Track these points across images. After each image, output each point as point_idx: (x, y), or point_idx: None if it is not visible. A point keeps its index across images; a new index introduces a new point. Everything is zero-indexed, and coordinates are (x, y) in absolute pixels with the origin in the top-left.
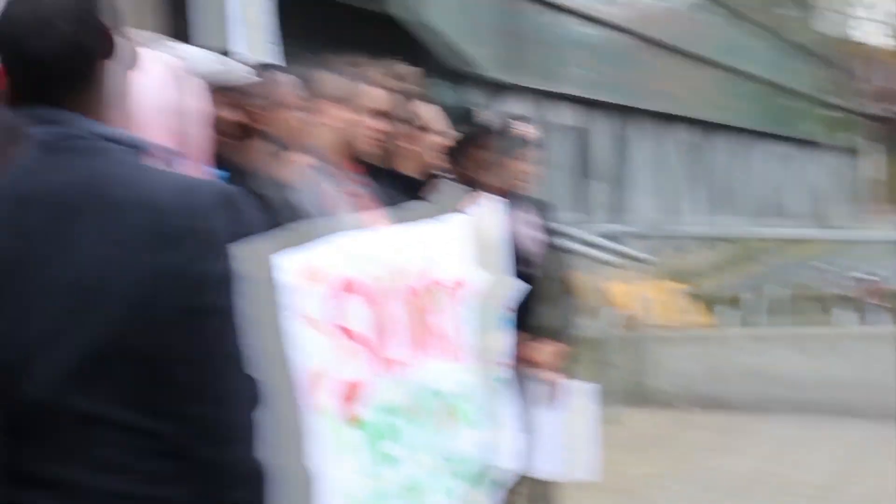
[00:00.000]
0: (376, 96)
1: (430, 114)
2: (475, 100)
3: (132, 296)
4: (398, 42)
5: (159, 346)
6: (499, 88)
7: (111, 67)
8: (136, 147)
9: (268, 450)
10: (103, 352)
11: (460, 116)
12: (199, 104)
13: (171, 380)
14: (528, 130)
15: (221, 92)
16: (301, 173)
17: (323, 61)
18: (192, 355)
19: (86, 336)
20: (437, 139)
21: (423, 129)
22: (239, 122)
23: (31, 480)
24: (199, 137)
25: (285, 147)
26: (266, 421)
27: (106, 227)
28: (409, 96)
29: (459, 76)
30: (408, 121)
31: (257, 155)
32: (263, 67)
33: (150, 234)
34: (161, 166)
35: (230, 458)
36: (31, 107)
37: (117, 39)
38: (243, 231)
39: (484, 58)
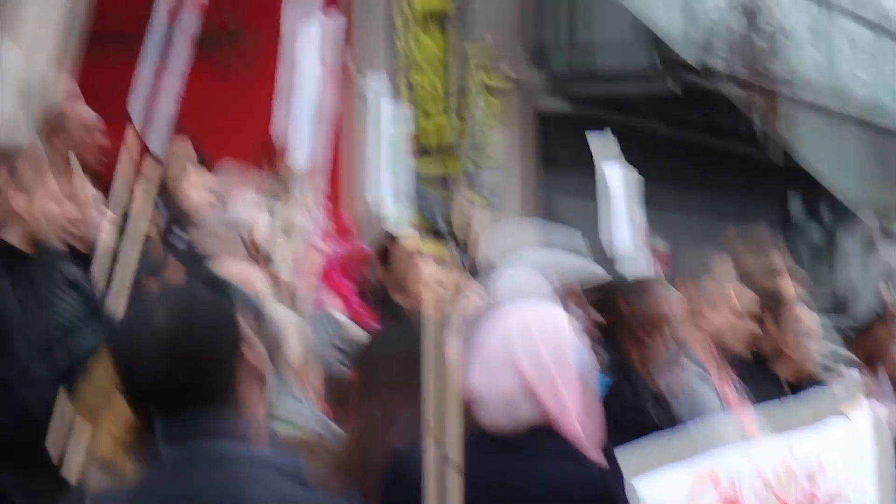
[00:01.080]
0: (750, 297)
1: (811, 319)
2: (849, 237)
3: None
4: (774, 183)
5: None
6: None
7: (232, 380)
8: (265, 460)
9: None
10: None
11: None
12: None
13: None
14: None
15: (588, 293)
16: (679, 378)
17: (695, 251)
18: None
19: None
20: (814, 346)
21: (802, 334)
22: (607, 324)
23: None
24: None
25: (668, 353)
26: None
27: None
28: (784, 299)
29: (834, 215)
30: (785, 325)
31: (637, 358)
32: (638, 279)
33: None
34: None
35: None
36: (164, 418)
37: (241, 354)
38: None
39: (858, 197)
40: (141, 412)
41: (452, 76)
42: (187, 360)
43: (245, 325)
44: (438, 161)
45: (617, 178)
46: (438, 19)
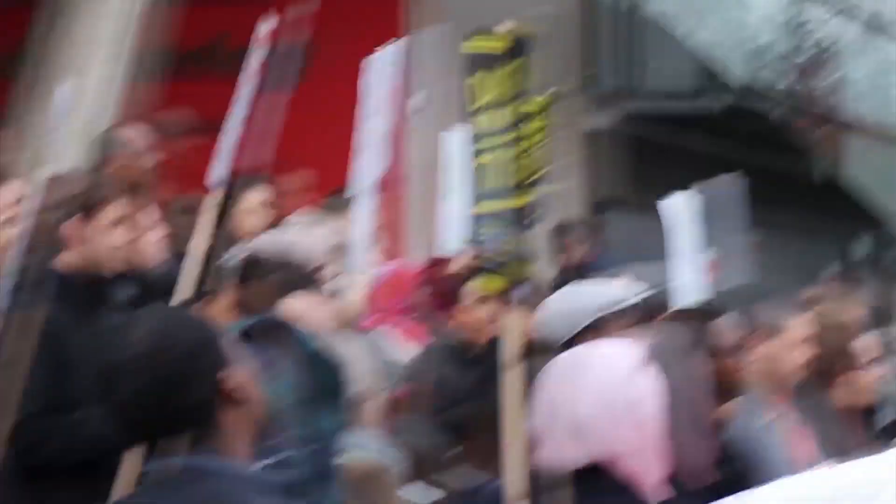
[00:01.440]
0: (805, 325)
1: (868, 345)
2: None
3: None
4: (818, 200)
5: None
6: None
7: (209, 403)
8: (245, 477)
9: None
10: None
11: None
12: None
13: None
14: None
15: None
16: (731, 410)
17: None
18: None
19: None
20: (872, 375)
21: (859, 362)
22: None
23: None
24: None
25: (719, 387)
26: None
27: None
28: (843, 328)
29: (882, 233)
30: (838, 352)
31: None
32: (704, 310)
33: None
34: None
35: None
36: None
37: (216, 379)
38: None
39: None
40: (124, 428)
41: (514, 115)
42: (162, 380)
43: (226, 350)
44: (499, 198)
45: (681, 211)
46: (499, 60)
